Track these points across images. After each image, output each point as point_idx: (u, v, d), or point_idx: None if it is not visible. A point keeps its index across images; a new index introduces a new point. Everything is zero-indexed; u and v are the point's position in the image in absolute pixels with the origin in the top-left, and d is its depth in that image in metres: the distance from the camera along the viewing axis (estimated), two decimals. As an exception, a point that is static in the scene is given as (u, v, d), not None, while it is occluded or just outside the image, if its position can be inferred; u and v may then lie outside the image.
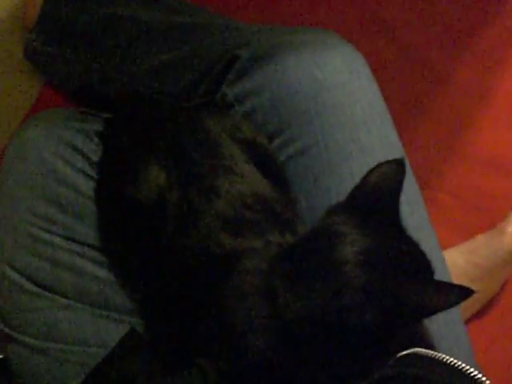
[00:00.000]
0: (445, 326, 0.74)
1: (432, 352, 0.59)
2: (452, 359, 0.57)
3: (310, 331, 0.58)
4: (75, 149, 0.80)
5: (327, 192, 0.75)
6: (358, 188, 0.65)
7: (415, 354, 0.59)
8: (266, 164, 0.76)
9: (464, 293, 0.57)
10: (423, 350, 0.59)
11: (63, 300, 0.75)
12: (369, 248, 0.59)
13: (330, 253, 0.60)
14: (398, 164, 0.64)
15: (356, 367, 0.58)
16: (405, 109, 1.14)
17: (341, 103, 0.77)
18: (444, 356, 0.57)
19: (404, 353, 0.59)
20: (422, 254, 0.62)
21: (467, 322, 1.01)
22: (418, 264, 0.61)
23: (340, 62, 0.80)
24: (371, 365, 0.58)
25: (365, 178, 0.64)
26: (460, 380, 0.54)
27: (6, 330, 0.77)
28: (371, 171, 0.64)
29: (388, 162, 0.64)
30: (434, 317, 0.67)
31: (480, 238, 1.03)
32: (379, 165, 0.65)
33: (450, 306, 0.57)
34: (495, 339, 1.05)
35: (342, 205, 0.65)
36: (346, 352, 0.58)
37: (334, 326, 0.57)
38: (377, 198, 0.63)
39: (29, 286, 0.76)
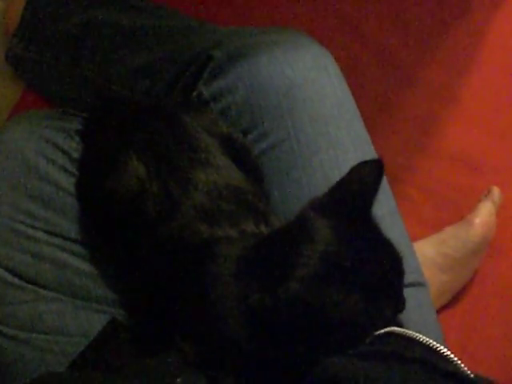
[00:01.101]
0: (414, 309, 0.77)
1: (407, 331, 0.61)
2: (426, 338, 0.59)
3: (267, 317, 0.60)
4: (56, 147, 0.83)
5: (298, 184, 0.78)
6: (335, 186, 0.66)
7: (391, 333, 0.61)
8: (241, 157, 0.79)
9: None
10: (399, 329, 0.61)
11: (46, 292, 0.77)
12: (328, 249, 0.61)
13: (296, 247, 0.62)
14: (377, 165, 0.66)
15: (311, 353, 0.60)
16: (375, 107, 1.18)
17: (310, 99, 0.80)
18: (418, 335, 0.60)
19: (380, 331, 0.62)
20: (394, 258, 0.64)
21: (438, 312, 1.04)
22: (380, 270, 0.62)
23: (310, 60, 0.83)
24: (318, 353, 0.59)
25: (343, 178, 0.66)
26: (433, 357, 0.56)
27: (-11, 322, 0.79)
28: (350, 171, 0.66)
29: (367, 163, 0.66)
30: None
31: (449, 230, 1.06)
32: (358, 165, 0.66)
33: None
34: (466, 329, 1.09)
35: (319, 201, 0.67)
36: (297, 339, 0.60)
37: (279, 313, 0.59)
38: (353, 197, 0.65)
39: (12, 279, 0.78)
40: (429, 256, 1.03)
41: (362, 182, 0.65)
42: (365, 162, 0.66)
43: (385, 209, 0.80)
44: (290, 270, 0.59)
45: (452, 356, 0.57)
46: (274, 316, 0.60)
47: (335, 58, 0.88)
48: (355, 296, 0.59)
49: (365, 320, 0.60)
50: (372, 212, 0.65)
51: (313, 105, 0.80)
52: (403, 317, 0.74)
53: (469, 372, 0.55)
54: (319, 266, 0.59)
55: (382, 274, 0.62)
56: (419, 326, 0.76)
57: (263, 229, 0.72)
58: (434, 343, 0.58)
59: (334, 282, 0.59)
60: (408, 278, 0.72)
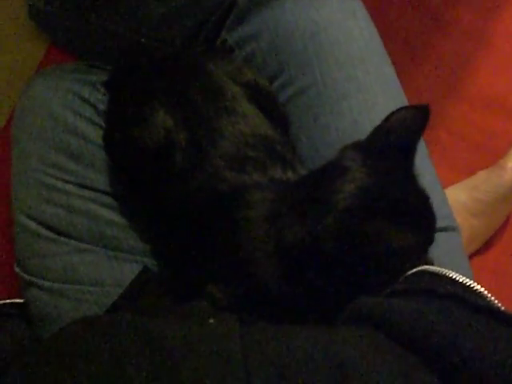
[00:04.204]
0: (446, 253, 0.76)
1: (439, 269, 0.61)
2: (458, 275, 0.59)
3: (303, 253, 0.61)
4: (83, 99, 0.83)
5: (327, 129, 0.77)
6: (376, 129, 0.66)
7: (423, 272, 0.61)
8: (268, 105, 0.78)
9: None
10: (431, 267, 0.61)
11: (79, 244, 0.79)
12: (368, 186, 0.61)
13: (329, 184, 0.62)
14: (422, 110, 0.64)
15: (349, 290, 0.61)
16: (404, 50, 1.15)
17: (338, 42, 0.79)
18: (451, 272, 0.60)
19: (413, 270, 0.62)
20: (426, 206, 0.64)
21: (470, 257, 1.04)
22: (413, 212, 0.62)
23: (336, 3, 0.81)
24: (363, 288, 0.60)
25: (384, 120, 0.65)
26: (466, 293, 0.56)
27: (25, 275, 0.81)
28: (392, 114, 0.65)
29: (410, 107, 0.65)
30: (434, 244, 0.70)
31: (481, 174, 1.05)
32: (401, 108, 0.65)
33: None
34: (498, 274, 1.08)
35: (358, 143, 0.66)
36: (335, 275, 0.61)
37: (316, 247, 0.60)
38: (394, 140, 0.64)
39: (45, 232, 0.79)
40: (460, 201, 1.02)
41: (406, 125, 0.64)
42: (411, 107, 0.65)
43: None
44: (329, 205, 0.60)
45: (484, 292, 0.57)
46: (313, 252, 0.60)
47: (362, 1, 0.85)
48: (395, 228, 0.59)
49: (404, 252, 0.61)
50: (413, 158, 0.64)
51: (340, 48, 0.78)
52: (435, 261, 0.73)
53: (502, 307, 0.55)
54: (357, 200, 0.60)
55: (416, 212, 0.63)
56: (450, 269, 0.76)
57: (291, 176, 0.72)
58: (467, 280, 0.58)
59: (372, 215, 0.59)
60: (440, 223, 0.72)
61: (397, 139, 0.64)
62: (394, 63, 0.84)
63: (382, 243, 0.59)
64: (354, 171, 0.62)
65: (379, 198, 0.61)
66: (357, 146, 0.66)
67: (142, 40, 0.92)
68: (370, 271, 0.61)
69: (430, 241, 0.65)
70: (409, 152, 0.65)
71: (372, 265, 0.60)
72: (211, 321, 0.54)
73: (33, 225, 0.80)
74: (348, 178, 0.62)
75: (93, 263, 0.78)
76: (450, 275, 0.59)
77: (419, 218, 0.63)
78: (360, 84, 0.78)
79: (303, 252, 0.61)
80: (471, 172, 1.06)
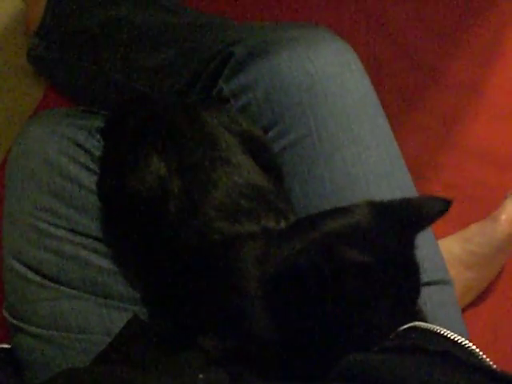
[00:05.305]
0: (439, 307, 0.76)
1: (431, 325, 0.60)
2: (449, 332, 0.59)
3: (287, 286, 0.61)
4: (78, 145, 0.83)
5: (320, 180, 0.77)
6: (397, 199, 0.65)
7: (414, 328, 0.61)
8: (262, 155, 0.78)
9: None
10: (422, 324, 0.61)
11: (68, 290, 0.78)
12: (365, 227, 0.61)
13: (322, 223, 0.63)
14: (443, 203, 0.64)
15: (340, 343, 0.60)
16: (399, 102, 1.16)
17: (333, 94, 0.79)
18: (442, 329, 0.59)
19: (404, 327, 0.61)
20: (415, 279, 0.63)
21: (463, 309, 1.03)
22: (399, 280, 0.61)
23: (332, 56, 0.82)
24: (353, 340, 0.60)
25: (405, 198, 0.65)
26: (457, 351, 0.55)
27: (13, 320, 0.80)
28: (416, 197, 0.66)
29: (433, 197, 0.65)
30: (427, 298, 0.70)
31: (475, 227, 1.05)
32: (424, 196, 0.66)
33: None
34: (492, 328, 1.07)
35: (370, 202, 0.66)
36: (324, 321, 0.60)
37: (300, 281, 0.59)
38: (403, 215, 0.64)
39: (35, 277, 0.79)
40: (454, 253, 1.02)
41: (423, 208, 0.64)
42: (431, 196, 0.65)
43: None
44: (314, 233, 0.61)
45: (476, 350, 0.56)
46: (298, 288, 0.60)
47: (357, 54, 0.86)
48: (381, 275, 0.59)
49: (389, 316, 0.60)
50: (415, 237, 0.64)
51: (335, 100, 0.79)
52: (427, 315, 0.73)
53: (494, 366, 0.54)
54: (347, 237, 0.60)
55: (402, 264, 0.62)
56: (444, 323, 0.74)
57: (284, 226, 0.71)
58: (458, 337, 0.58)
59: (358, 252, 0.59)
60: (433, 275, 0.72)
61: (408, 215, 0.64)
62: (387, 114, 0.85)
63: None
64: (354, 213, 0.62)
65: (370, 240, 0.61)
66: (370, 202, 0.65)
67: (139, 87, 0.93)
68: (356, 317, 0.60)
69: (416, 292, 0.65)
70: (416, 229, 0.64)
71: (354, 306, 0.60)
72: (201, 376, 0.54)
73: (22, 269, 0.80)
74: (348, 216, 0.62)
75: (82, 310, 0.77)
76: (442, 332, 0.58)
77: (405, 270, 0.62)
78: (354, 136, 0.78)
79: (287, 284, 0.61)
80: (464, 223, 1.06)
